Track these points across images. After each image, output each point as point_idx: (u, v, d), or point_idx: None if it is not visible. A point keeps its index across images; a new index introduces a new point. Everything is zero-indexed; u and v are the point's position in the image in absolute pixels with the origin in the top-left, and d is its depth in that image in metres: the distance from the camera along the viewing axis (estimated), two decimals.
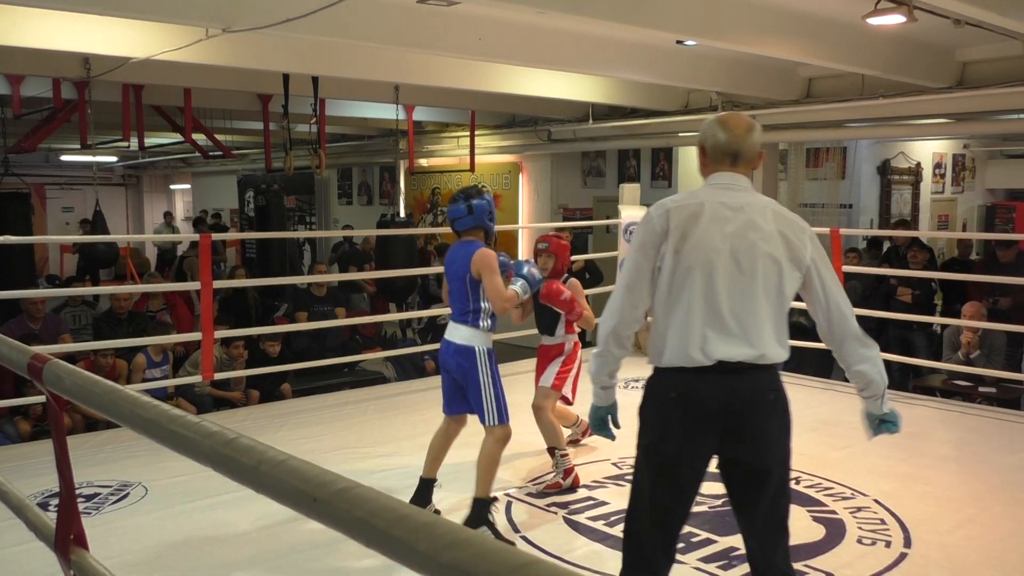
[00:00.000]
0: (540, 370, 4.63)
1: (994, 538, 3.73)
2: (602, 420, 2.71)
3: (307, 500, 0.84)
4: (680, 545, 3.60)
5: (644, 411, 2.49)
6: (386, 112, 9.82)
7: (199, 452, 1.01)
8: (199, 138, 10.40)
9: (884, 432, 2.71)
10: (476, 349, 3.74)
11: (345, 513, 0.80)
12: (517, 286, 3.92)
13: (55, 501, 3.93)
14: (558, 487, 4.28)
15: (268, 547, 3.60)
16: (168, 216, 18.90)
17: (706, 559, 3.50)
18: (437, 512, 3.92)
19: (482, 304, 3.77)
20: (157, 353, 6.53)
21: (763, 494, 2.46)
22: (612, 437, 2.78)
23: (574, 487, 4.31)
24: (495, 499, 3.82)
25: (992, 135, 10.86)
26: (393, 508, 0.76)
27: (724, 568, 3.42)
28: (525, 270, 4.05)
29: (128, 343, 6.23)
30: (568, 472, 4.33)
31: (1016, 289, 7.21)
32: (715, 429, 2.39)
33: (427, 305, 8.92)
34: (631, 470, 4.54)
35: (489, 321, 3.80)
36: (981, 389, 6.47)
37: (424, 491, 3.93)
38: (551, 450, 4.39)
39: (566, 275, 4.71)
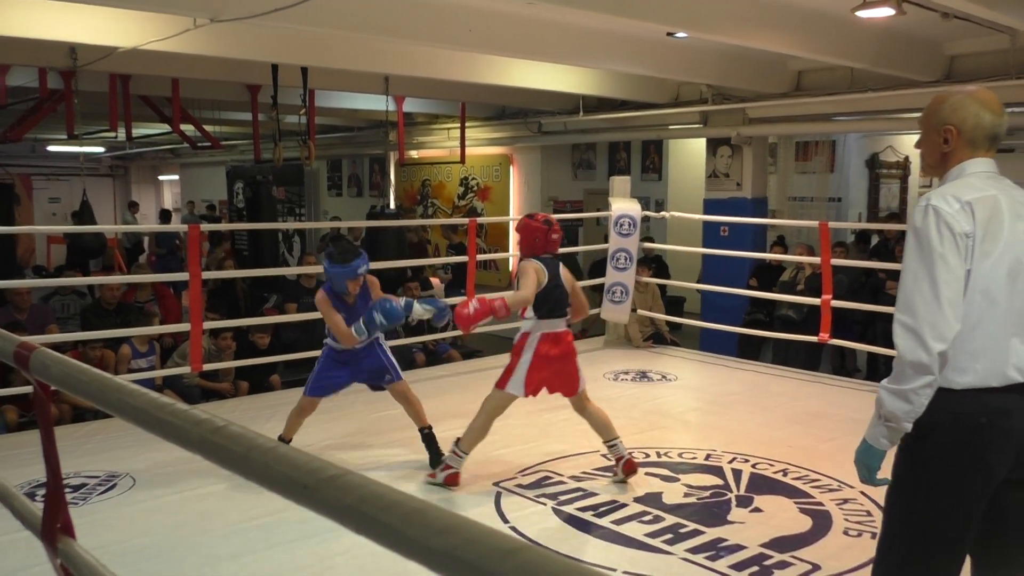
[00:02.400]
0: (565, 366, 4.28)
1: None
2: (878, 465, 2.22)
3: (297, 487, 0.84)
4: (668, 536, 3.65)
5: (935, 440, 2.11)
6: (376, 103, 9.80)
7: (188, 440, 1.01)
8: (187, 129, 10.36)
9: None
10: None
11: (335, 500, 0.80)
12: (355, 331, 4.23)
13: (42, 491, 3.92)
14: (432, 478, 4.23)
15: (256, 537, 3.59)
16: (134, 206, 18.71)
17: (693, 550, 3.52)
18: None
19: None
20: (143, 343, 6.50)
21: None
22: (887, 480, 2.24)
23: (447, 485, 4.17)
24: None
25: None
26: (383, 495, 0.76)
27: (711, 559, 3.44)
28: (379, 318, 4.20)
29: (115, 334, 6.20)
30: (448, 468, 4.21)
31: None
32: (1015, 456, 2.11)
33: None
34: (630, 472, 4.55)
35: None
36: None
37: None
38: (456, 440, 4.23)
39: (531, 258, 4.25)
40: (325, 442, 4.92)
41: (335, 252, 4.27)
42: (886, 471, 2.23)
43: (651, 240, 9.08)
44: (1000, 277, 2.08)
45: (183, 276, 5.70)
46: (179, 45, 5.99)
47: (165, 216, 16.73)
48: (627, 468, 4.26)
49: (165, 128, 11.15)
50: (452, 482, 4.17)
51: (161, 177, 22.37)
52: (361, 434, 5.13)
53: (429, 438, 4.46)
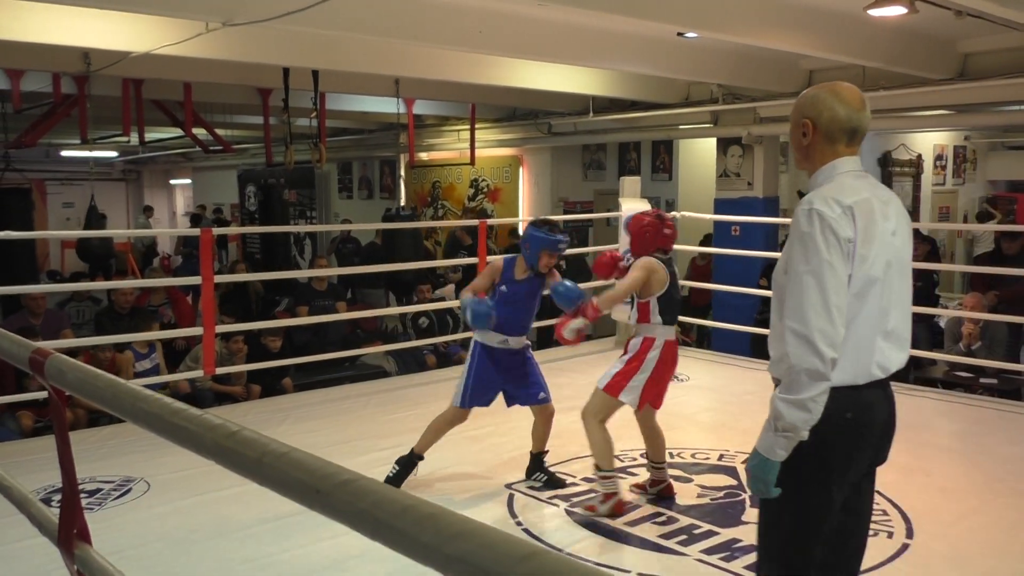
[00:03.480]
0: (667, 379, 4.09)
1: (997, 528, 3.73)
2: (775, 477, 2.17)
3: (310, 492, 0.84)
4: (682, 537, 3.63)
5: (806, 443, 2.11)
6: (386, 106, 9.82)
7: (201, 445, 1.01)
8: (199, 132, 10.41)
9: None
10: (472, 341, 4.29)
11: (348, 505, 0.79)
12: (464, 299, 4.12)
13: (58, 496, 3.94)
14: (592, 511, 3.84)
15: (271, 540, 3.60)
16: (148, 211, 18.81)
17: (708, 551, 3.51)
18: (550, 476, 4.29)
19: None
20: (143, 345, 6.53)
21: (871, 493, 2.37)
22: (779, 492, 2.18)
23: (615, 514, 3.81)
24: (422, 458, 4.20)
25: (993, 127, 10.85)
26: (397, 500, 0.76)
27: (726, 560, 3.42)
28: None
29: (127, 338, 6.22)
30: (608, 497, 3.84)
31: (1018, 280, 7.21)
32: (878, 439, 2.24)
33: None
34: (632, 463, 4.55)
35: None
36: (982, 380, 6.47)
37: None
38: (596, 466, 3.92)
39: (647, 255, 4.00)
40: (333, 445, 4.92)
41: (542, 221, 4.20)
42: None
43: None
44: (872, 279, 2.12)
45: (195, 280, 5.72)
46: (191, 49, 6.02)
47: (196, 220, 16.79)
48: (666, 492, 4.10)
49: (177, 132, 11.22)
50: (619, 510, 3.83)
51: (173, 181, 22.47)
52: (373, 437, 5.13)
53: (538, 461, 4.33)
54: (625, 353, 3.98)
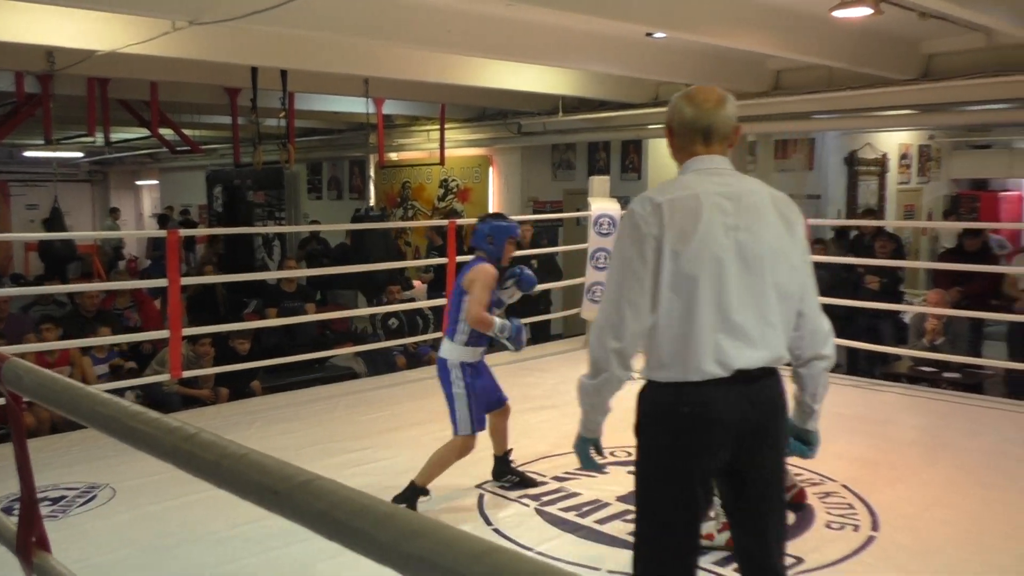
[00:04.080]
0: None
1: (961, 520, 3.79)
2: (588, 453, 2.39)
3: (269, 494, 0.83)
4: None
5: (647, 432, 2.22)
6: (356, 106, 9.77)
7: (160, 448, 1.00)
8: (166, 133, 10.28)
9: (797, 454, 2.47)
10: (447, 362, 3.96)
11: (307, 506, 0.79)
12: (501, 322, 3.92)
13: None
14: (710, 539, 3.42)
15: (240, 545, 3.56)
16: (115, 212, 18.58)
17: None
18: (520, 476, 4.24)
19: (460, 326, 3.95)
20: (101, 350, 6.45)
21: (773, 502, 2.28)
22: (601, 468, 2.48)
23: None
24: (427, 492, 3.93)
25: (956, 126, 11.02)
26: (354, 500, 0.76)
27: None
28: (514, 332, 3.97)
29: (92, 342, 6.14)
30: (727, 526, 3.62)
31: (980, 277, 7.34)
32: (730, 443, 2.17)
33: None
34: (602, 460, 4.56)
35: (468, 337, 3.92)
36: (946, 375, 6.57)
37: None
38: None
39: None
40: (303, 447, 4.89)
41: (492, 215, 4.14)
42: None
43: None
44: (693, 275, 2.10)
45: (162, 282, 5.65)
46: (158, 48, 5.95)
47: (163, 220, 16.57)
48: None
49: (144, 132, 11.08)
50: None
51: (140, 182, 22.18)
52: (343, 439, 5.10)
53: (505, 462, 4.26)
54: None
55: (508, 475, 4.25)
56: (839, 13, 5.22)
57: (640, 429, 2.23)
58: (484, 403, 3.99)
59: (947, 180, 12.47)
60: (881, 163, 11.18)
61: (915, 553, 3.46)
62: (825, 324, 2.33)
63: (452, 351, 3.94)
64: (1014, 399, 6.43)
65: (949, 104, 7.76)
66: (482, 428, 3.96)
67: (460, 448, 3.92)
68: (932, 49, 7.24)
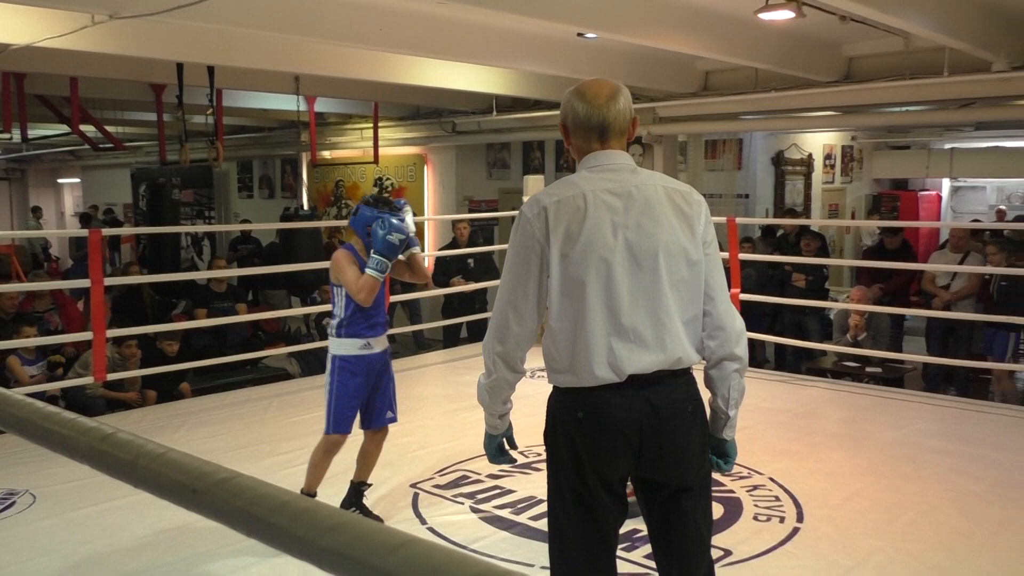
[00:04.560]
0: None
1: (879, 509, 3.92)
2: (499, 448, 2.39)
3: (187, 492, 0.82)
4: None
5: (551, 437, 2.18)
6: (287, 103, 9.62)
7: (75, 450, 0.97)
8: (88, 129, 9.97)
9: (713, 468, 2.31)
10: (328, 357, 3.72)
11: (225, 503, 0.78)
12: (371, 267, 3.53)
13: None
14: None
15: (166, 551, 3.49)
16: (37, 211, 18.01)
17: None
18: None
19: (336, 313, 3.71)
20: (30, 352, 6.23)
21: (685, 516, 2.16)
22: (513, 461, 2.51)
23: None
24: (315, 496, 3.72)
25: (877, 127, 11.38)
26: (273, 496, 0.75)
27: (627, 550, 3.49)
28: (382, 234, 3.53)
29: (8, 345, 5.92)
30: None
31: (900, 274, 7.60)
32: (630, 449, 2.08)
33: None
34: (537, 458, 4.60)
35: (345, 328, 3.66)
36: (868, 369, 6.79)
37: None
38: None
39: None
40: (233, 450, 4.81)
41: (378, 199, 3.75)
42: None
43: None
44: (580, 277, 2.04)
45: (85, 283, 5.48)
46: (77, 43, 5.76)
47: (86, 220, 16.05)
48: None
49: (64, 129, 10.73)
50: None
51: (61, 180, 21.47)
52: (274, 440, 5.02)
53: (359, 492, 3.91)
54: None
55: (353, 508, 3.84)
56: (764, 15, 5.34)
57: (546, 434, 2.20)
58: (354, 404, 3.70)
59: (869, 180, 12.87)
60: (807, 163, 11.48)
61: (836, 542, 3.57)
62: (736, 323, 2.20)
63: (331, 344, 3.72)
64: (931, 392, 6.69)
65: (869, 106, 8.02)
66: (346, 430, 3.68)
67: (323, 448, 3.71)
68: (853, 52, 7.46)
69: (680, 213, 2.12)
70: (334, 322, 3.72)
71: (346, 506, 3.84)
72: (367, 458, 3.87)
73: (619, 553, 3.43)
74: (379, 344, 3.74)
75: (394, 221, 3.58)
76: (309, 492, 3.75)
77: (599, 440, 2.08)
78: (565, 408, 2.13)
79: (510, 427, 2.39)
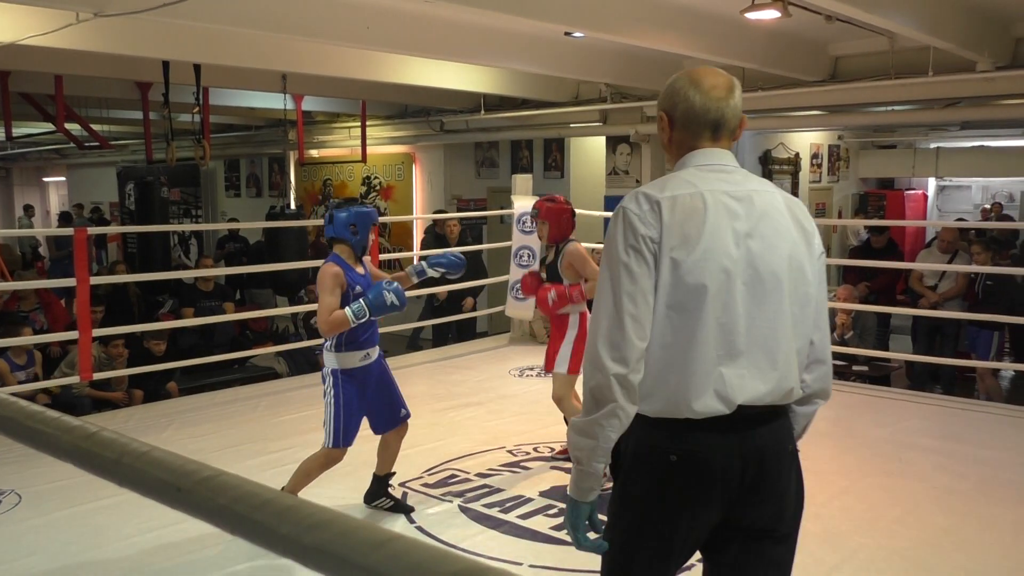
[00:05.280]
0: (552, 348, 4.31)
1: (864, 507, 3.95)
2: (583, 525, 1.85)
3: (171, 490, 0.82)
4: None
5: (627, 475, 1.85)
6: (274, 101, 9.59)
7: (59, 448, 0.97)
8: (73, 128, 9.91)
9: None
10: (324, 370, 3.69)
11: (209, 501, 0.78)
12: (352, 309, 3.47)
13: None
14: None
15: (154, 550, 3.48)
16: (29, 209, 17.93)
17: None
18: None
19: None
20: (19, 355, 6.15)
21: (768, 566, 1.89)
22: (604, 547, 1.87)
23: None
24: None
25: (863, 126, 11.44)
26: (257, 494, 0.75)
27: None
28: (384, 295, 3.50)
29: None
30: None
31: (886, 273, 7.65)
32: (727, 498, 1.79)
33: None
34: (525, 456, 4.61)
35: (344, 344, 3.61)
36: (855, 368, 6.83)
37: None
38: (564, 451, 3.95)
39: (566, 240, 4.30)
40: (221, 449, 4.80)
41: (345, 200, 3.78)
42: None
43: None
44: (696, 289, 1.74)
45: (70, 282, 5.46)
46: (62, 40, 5.72)
47: (66, 219, 15.96)
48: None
49: (49, 127, 10.66)
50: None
51: (47, 179, 21.34)
52: (262, 440, 5.01)
53: (384, 484, 3.97)
54: (562, 333, 4.26)
55: (382, 498, 3.94)
56: (750, 15, 5.36)
57: (617, 470, 1.88)
58: (358, 416, 3.66)
59: (856, 179, 12.94)
60: (794, 162, 11.53)
61: (821, 539, 3.59)
62: (830, 356, 1.95)
63: (326, 358, 3.67)
64: (917, 391, 6.74)
65: (855, 105, 8.06)
66: (348, 443, 3.62)
67: (321, 460, 3.64)
68: (839, 52, 7.50)
69: (800, 227, 1.87)
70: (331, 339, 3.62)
71: (373, 498, 3.94)
72: (389, 451, 3.91)
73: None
74: (375, 351, 3.74)
75: (398, 288, 3.55)
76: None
77: (694, 491, 1.78)
78: (652, 447, 1.80)
79: (598, 497, 1.85)
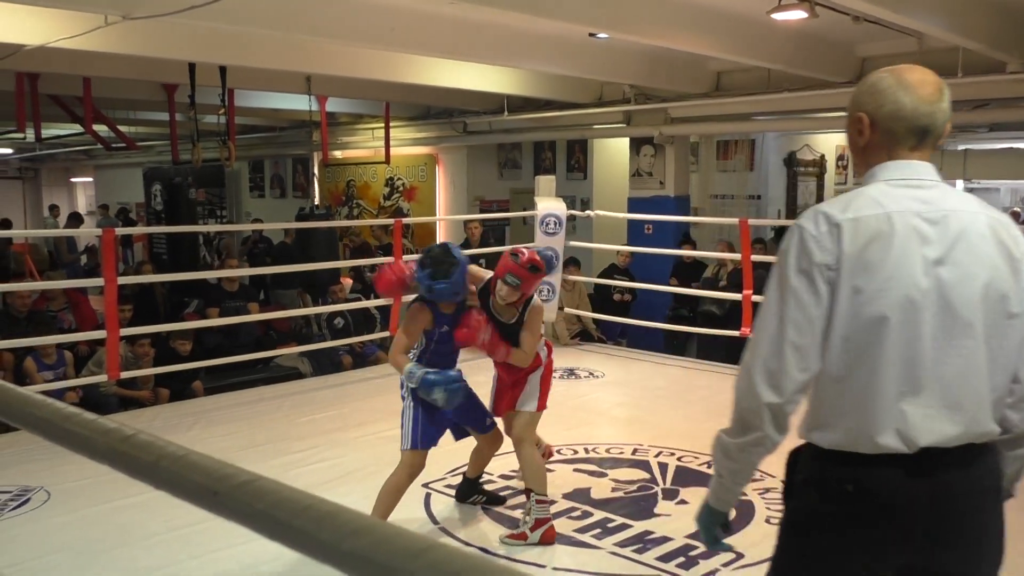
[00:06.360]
0: (508, 386, 3.86)
1: None
2: (714, 530, 1.89)
3: (208, 494, 0.82)
4: (596, 531, 3.69)
5: (796, 502, 1.76)
6: (298, 103, 9.66)
7: (96, 450, 0.98)
8: (101, 129, 10.03)
9: None
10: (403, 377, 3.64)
11: (247, 506, 0.79)
12: (410, 368, 3.47)
13: None
14: (523, 539, 3.57)
15: (181, 548, 3.50)
16: (54, 209, 18.15)
17: (621, 544, 3.57)
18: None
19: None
20: (49, 355, 6.21)
21: None
22: (730, 549, 1.99)
23: (544, 543, 3.56)
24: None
25: None
26: (295, 499, 0.76)
27: (639, 552, 3.49)
28: (431, 391, 3.42)
29: (23, 342, 5.96)
30: (540, 523, 3.59)
31: None
32: (909, 537, 1.66)
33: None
34: (548, 459, 4.59)
35: (415, 353, 3.65)
36: None
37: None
38: (527, 492, 3.69)
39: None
40: (245, 449, 4.83)
41: (428, 260, 3.54)
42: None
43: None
44: (877, 321, 1.62)
45: (98, 281, 5.52)
46: (90, 43, 5.80)
47: (75, 220, 16.15)
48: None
49: (77, 128, 10.79)
50: (551, 538, 3.59)
51: (74, 179, 21.61)
52: (286, 440, 5.04)
53: (475, 484, 4.05)
54: (523, 371, 3.80)
55: (475, 495, 4.05)
56: (777, 16, 5.33)
57: (789, 496, 1.78)
58: (436, 421, 3.64)
59: None
60: (819, 164, 11.45)
61: None
62: None
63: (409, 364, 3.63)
64: None
65: None
66: (427, 445, 3.61)
67: (405, 467, 3.58)
68: (866, 52, 7.44)
69: (1005, 252, 1.68)
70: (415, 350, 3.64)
71: (465, 496, 4.05)
72: (481, 457, 3.98)
73: (630, 555, 3.45)
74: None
75: (456, 387, 3.47)
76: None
77: (870, 528, 1.66)
78: (825, 476, 1.70)
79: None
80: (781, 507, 1.82)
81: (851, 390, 1.65)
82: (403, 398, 3.67)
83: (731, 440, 1.73)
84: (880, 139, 1.72)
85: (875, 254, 1.61)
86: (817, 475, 1.71)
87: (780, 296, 1.67)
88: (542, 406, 3.79)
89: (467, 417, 3.78)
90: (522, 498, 4.07)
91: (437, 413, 3.60)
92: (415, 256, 3.95)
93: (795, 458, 1.77)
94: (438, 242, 3.77)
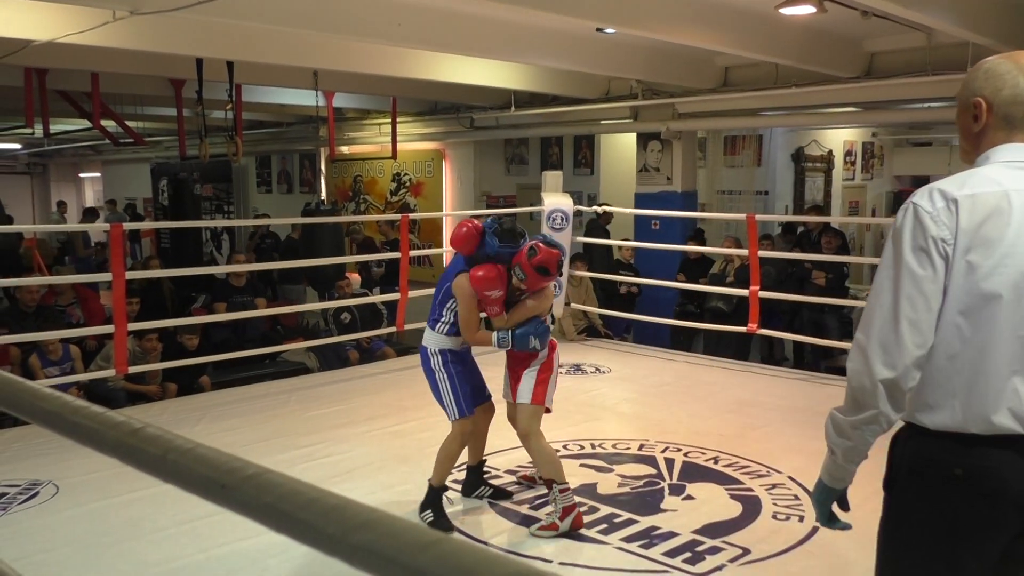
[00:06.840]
0: (513, 378, 3.88)
1: None
2: (829, 506, 1.92)
3: (216, 487, 0.83)
4: (603, 526, 3.69)
5: (902, 492, 1.76)
6: (305, 98, 9.65)
7: (104, 443, 0.98)
8: (108, 124, 10.05)
9: None
10: (428, 349, 3.83)
11: (254, 499, 0.79)
12: (498, 338, 3.70)
13: None
14: (554, 529, 3.61)
15: (188, 542, 3.52)
16: (62, 205, 18.22)
17: (627, 539, 3.57)
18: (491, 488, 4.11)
19: (444, 316, 3.81)
20: (53, 352, 6.22)
21: None
22: (848, 527, 1.97)
23: (574, 530, 3.62)
24: (446, 488, 3.87)
25: (898, 123, 11.29)
26: (302, 492, 0.76)
27: (645, 547, 3.49)
28: (531, 338, 3.69)
29: (32, 337, 5.98)
30: (568, 511, 3.63)
31: None
32: (1015, 525, 1.65)
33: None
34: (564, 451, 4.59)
35: (447, 327, 3.80)
36: None
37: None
38: (548, 483, 3.70)
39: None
40: (252, 443, 4.84)
41: (504, 230, 3.73)
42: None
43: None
44: (991, 297, 1.62)
45: (106, 276, 5.54)
46: (98, 38, 5.80)
47: (90, 214, 16.21)
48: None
49: (85, 124, 10.81)
50: (580, 523, 3.65)
51: (82, 175, 21.67)
52: (293, 435, 5.05)
53: (478, 473, 4.13)
54: (530, 362, 3.83)
55: (481, 487, 4.07)
56: (785, 10, 5.31)
57: (891, 484, 1.79)
58: (470, 387, 3.83)
59: (890, 177, 12.78)
60: (827, 160, 11.41)
61: (855, 542, 3.52)
62: None
63: (432, 339, 3.81)
64: None
65: (890, 102, 7.95)
66: (471, 411, 3.78)
67: (459, 435, 3.77)
68: (875, 48, 7.40)
69: None
70: (442, 319, 3.79)
71: (472, 488, 4.08)
72: (478, 434, 4.01)
73: (636, 550, 3.45)
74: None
75: (543, 329, 3.75)
76: (440, 486, 3.80)
77: (982, 510, 1.65)
78: (932, 459, 1.69)
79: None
80: (881, 496, 1.82)
81: (963, 368, 1.65)
82: (432, 372, 3.79)
83: (845, 418, 1.75)
84: (997, 122, 1.73)
85: (992, 231, 1.62)
86: (919, 460, 1.71)
87: (895, 272, 1.67)
88: (538, 400, 3.78)
89: (476, 385, 3.94)
90: (528, 492, 4.08)
91: (467, 376, 3.83)
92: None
93: (895, 446, 1.77)
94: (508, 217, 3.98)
